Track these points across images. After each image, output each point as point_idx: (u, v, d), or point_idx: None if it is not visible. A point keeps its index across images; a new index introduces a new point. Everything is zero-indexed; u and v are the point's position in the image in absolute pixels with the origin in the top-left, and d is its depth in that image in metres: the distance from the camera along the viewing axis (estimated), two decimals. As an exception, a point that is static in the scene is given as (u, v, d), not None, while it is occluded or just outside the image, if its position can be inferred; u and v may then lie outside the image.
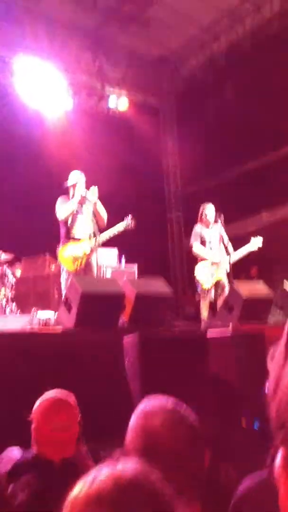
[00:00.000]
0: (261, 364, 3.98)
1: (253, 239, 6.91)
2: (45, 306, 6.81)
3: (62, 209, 5.98)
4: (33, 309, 6.44)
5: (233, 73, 11.09)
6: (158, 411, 1.36)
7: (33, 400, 2.39)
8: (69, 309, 5.04)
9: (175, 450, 1.27)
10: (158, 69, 12.40)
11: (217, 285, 6.81)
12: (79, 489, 0.87)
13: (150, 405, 1.40)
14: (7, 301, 7.90)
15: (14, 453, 2.40)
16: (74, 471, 2.35)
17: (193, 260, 7.31)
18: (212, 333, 4.22)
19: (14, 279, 8.17)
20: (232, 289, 5.69)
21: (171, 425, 1.32)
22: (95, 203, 6.12)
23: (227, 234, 7.05)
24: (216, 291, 6.78)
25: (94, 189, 6.12)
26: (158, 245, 11.88)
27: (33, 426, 2.25)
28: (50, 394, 2.32)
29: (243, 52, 10.87)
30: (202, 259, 6.97)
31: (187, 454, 1.27)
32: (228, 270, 6.76)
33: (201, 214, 7.18)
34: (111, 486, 0.84)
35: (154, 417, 1.34)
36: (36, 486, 2.15)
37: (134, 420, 1.38)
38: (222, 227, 7.00)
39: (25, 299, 7.89)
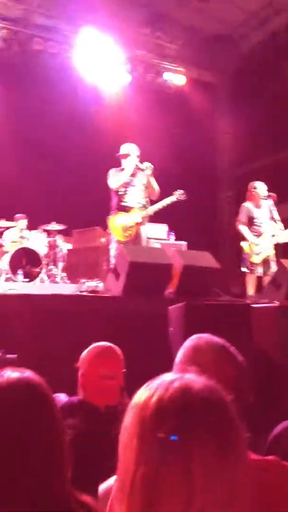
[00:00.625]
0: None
1: None
2: (93, 276, 6.99)
3: (115, 178, 6.07)
4: (81, 280, 6.62)
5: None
6: (208, 347, 1.41)
7: (79, 351, 2.49)
8: (117, 277, 5.16)
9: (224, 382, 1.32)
10: (216, 46, 12.20)
11: (265, 262, 6.80)
12: (147, 394, 0.87)
13: (201, 340, 1.45)
14: (58, 270, 8.13)
15: (60, 398, 2.53)
16: (117, 419, 2.46)
17: (241, 239, 7.29)
18: (257, 305, 4.24)
19: (65, 250, 8.39)
20: (280, 266, 5.65)
21: (221, 360, 1.37)
22: (148, 175, 6.18)
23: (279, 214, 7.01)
24: (264, 268, 6.78)
25: (150, 165, 6.18)
26: (207, 225, 11.83)
27: (80, 372, 2.36)
28: (98, 343, 2.42)
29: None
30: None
31: (234, 389, 1.32)
32: (275, 248, 6.75)
33: (250, 192, 7.14)
34: (182, 396, 0.84)
35: (205, 352, 1.39)
36: (81, 429, 2.26)
37: (182, 353, 1.44)
38: (273, 206, 6.94)
39: (75, 269, 8.09)
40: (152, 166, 6.21)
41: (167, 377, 0.90)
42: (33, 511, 1.10)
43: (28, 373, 1.26)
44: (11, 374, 1.23)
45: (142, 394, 0.88)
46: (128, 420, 0.88)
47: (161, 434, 0.82)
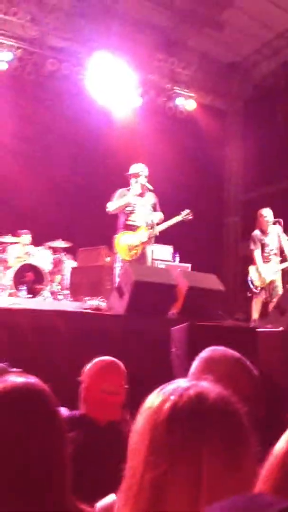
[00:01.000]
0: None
1: None
2: (96, 295, 6.96)
3: (115, 202, 6.09)
4: (84, 298, 6.60)
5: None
6: (224, 359, 1.39)
7: (81, 367, 2.46)
8: (121, 295, 5.13)
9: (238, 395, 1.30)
10: (229, 73, 12.39)
11: (272, 287, 6.82)
12: (161, 399, 0.86)
13: (217, 352, 1.43)
14: (61, 288, 8.12)
15: (61, 412, 2.49)
16: (118, 434, 2.42)
17: (248, 265, 7.35)
18: (262, 329, 4.20)
19: (70, 268, 8.38)
20: (285, 291, 5.62)
21: (236, 373, 1.35)
22: (155, 198, 6.22)
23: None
24: (269, 292, 6.80)
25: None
26: (212, 249, 11.83)
27: (83, 386, 2.33)
28: (102, 358, 2.39)
29: None
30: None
31: (249, 402, 1.30)
32: (281, 274, 6.76)
33: (258, 219, 7.20)
34: (197, 403, 0.84)
35: (220, 363, 1.37)
36: (81, 443, 2.22)
37: (197, 364, 1.42)
38: (281, 232, 6.99)
39: (78, 288, 8.07)
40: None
41: (182, 383, 0.88)
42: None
43: (33, 379, 1.25)
44: (17, 379, 1.22)
45: (155, 399, 0.87)
46: (140, 423, 0.87)
47: (173, 439, 0.80)
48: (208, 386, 0.88)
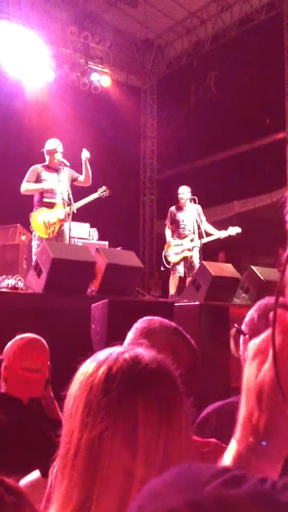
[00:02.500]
0: (224, 335, 4.10)
1: (230, 228, 7.14)
2: (13, 274, 6.79)
3: (30, 185, 5.94)
4: (1, 277, 6.42)
5: (216, 61, 11.18)
6: (162, 328, 1.41)
7: (1, 346, 2.41)
8: (39, 274, 5.05)
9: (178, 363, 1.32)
10: (143, 50, 12.38)
11: (187, 263, 7.02)
12: (96, 364, 0.87)
13: (154, 322, 1.44)
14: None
15: (-18, 392, 2.43)
16: (41, 411, 2.41)
17: (163, 242, 7.52)
18: (179, 303, 4.31)
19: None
20: (201, 267, 5.79)
21: (176, 341, 1.37)
22: (71, 171, 6.13)
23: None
24: (186, 268, 7.01)
25: (86, 152, 6.15)
26: (129, 226, 11.92)
27: (3, 364, 2.28)
28: (23, 335, 2.35)
29: (228, 40, 10.95)
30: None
31: (189, 369, 1.32)
32: (199, 250, 6.98)
33: (177, 196, 7.39)
34: (132, 365, 0.85)
35: (159, 333, 1.39)
36: (4, 422, 2.19)
37: (134, 334, 1.43)
38: (198, 209, 7.18)
39: (-8, 267, 7.84)
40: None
41: (116, 349, 0.90)
42: None
43: None
44: None
45: (90, 365, 0.88)
46: (74, 388, 0.88)
47: (108, 399, 0.82)
48: (143, 351, 0.90)
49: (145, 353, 0.89)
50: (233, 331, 4.54)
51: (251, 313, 1.53)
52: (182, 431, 0.84)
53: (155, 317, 1.48)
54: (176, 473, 0.54)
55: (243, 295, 6.45)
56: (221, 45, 11.14)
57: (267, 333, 0.67)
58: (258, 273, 6.07)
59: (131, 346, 0.91)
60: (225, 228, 7.24)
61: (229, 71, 10.68)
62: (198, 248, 7.00)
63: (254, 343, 0.69)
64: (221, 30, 11.15)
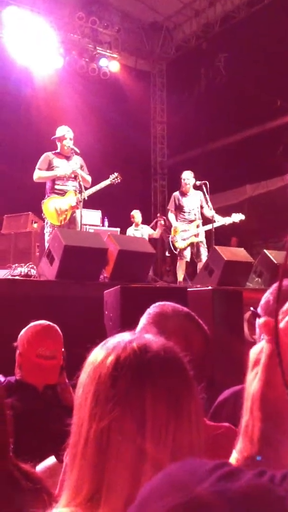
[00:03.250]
0: (238, 320, 4.09)
1: (234, 214, 7.12)
2: (25, 262, 6.82)
3: (42, 173, 5.93)
4: (13, 265, 6.44)
5: (226, 43, 11.02)
6: (174, 313, 1.40)
7: (13, 333, 2.41)
8: (51, 261, 5.06)
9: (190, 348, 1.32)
10: (151, 34, 12.25)
11: (194, 248, 7.02)
12: (104, 353, 0.86)
13: (167, 307, 1.43)
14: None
15: (-2, 379, 2.45)
16: (56, 398, 2.43)
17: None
18: (192, 288, 4.31)
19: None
20: (213, 252, 5.77)
21: (188, 327, 1.36)
22: (81, 159, 6.12)
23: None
24: (194, 253, 7.01)
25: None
26: (141, 212, 11.86)
27: (18, 351, 2.30)
28: (37, 322, 2.36)
29: (238, 21, 10.79)
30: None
31: (201, 355, 1.32)
32: (203, 235, 6.98)
33: (181, 181, 7.37)
34: (140, 355, 0.84)
35: (172, 318, 1.38)
36: (19, 409, 2.20)
37: (147, 319, 1.42)
38: (204, 195, 7.14)
39: (5, 255, 7.88)
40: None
41: (125, 336, 0.89)
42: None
43: None
44: None
45: (98, 353, 0.87)
46: (84, 378, 0.87)
47: (117, 389, 0.81)
48: (152, 338, 0.89)
49: (154, 341, 0.88)
50: (247, 315, 4.53)
51: (267, 296, 1.52)
52: (192, 419, 0.84)
53: (167, 303, 1.47)
54: (174, 471, 0.54)
55: (256, 279, 6.42)
56: (231, 27, 10.98)
57: (263, 343, 0.66)
58: (271, 257, 6.03)
59: (140, 334, 0.90)
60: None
61: (239, 53, 10.53)
62: (205, 234, 7.02)
63: (254, 352, 0.69)
64: (230, 11, 10.99)
